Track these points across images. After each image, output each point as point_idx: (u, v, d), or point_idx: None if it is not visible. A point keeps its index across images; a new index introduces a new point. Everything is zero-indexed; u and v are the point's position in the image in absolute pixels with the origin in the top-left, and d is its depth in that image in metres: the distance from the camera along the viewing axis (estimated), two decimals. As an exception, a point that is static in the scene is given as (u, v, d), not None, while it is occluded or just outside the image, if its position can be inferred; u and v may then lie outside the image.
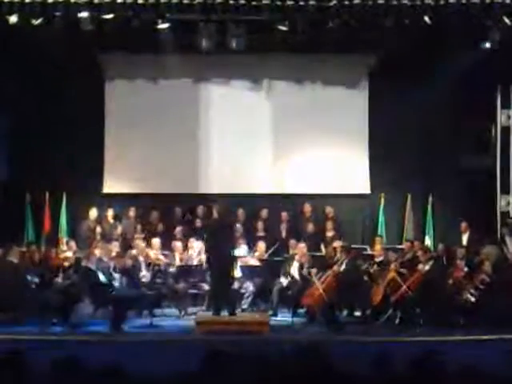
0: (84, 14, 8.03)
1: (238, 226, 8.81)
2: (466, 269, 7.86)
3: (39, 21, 8.05)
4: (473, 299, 7.47)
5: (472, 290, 7.50)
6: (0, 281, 7.59)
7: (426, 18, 8.12)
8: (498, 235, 9.39)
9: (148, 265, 8.09)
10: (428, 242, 9.43)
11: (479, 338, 6.62)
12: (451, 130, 9.73)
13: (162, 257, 8.34)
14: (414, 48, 8.84)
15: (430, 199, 9.74)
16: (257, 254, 8.60)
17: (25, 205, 9.58)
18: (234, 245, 7.75)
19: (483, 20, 8.18)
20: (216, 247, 7.34)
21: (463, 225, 9.16)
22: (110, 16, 8.10)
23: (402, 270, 7.72)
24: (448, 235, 9.36)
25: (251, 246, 8.77)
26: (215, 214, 7.58)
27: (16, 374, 2.81)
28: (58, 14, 7.98)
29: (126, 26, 8.36)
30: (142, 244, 8.42)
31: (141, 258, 8.10)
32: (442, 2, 8.03)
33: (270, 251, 8.65)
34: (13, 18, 7.98)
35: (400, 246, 8.85)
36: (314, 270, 7.81)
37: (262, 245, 8.70)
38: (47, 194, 9.64)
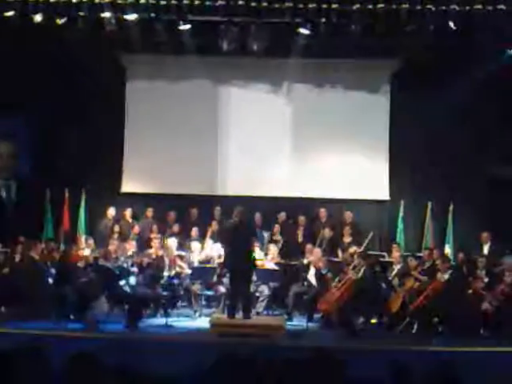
0: (107, 15, 8.12)
1: (258, 229, 8.75)
2: (486, 279, 7.71)
3: (63, 20, 8.15)
4: (493, 310, 7.31)
5: (492, 301, 7.35)
6: (20, 276, 7.69)
7: (451, 24, 8.01)
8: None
9: (169, 267, 8.10)
10: (448, 250, 9.28)
11: (499, 350, 6.47)
12: (475, 138, 9.55)
13: (184, 265, 8.29)
14: (437, 53, 8.72)
15: (451, 207, 9.59)
16: (269, 257, 8.55)
17: (45, 202, 9.69)
18: (253, 248, 7.68)
19: (510, 26, 8.04)
20: (236, 250, 7.29)
21: (484, 234, 8.98)
22: (133, 16, 8.17)
23: (421, 278, 7.60)
24: (468, 244, 9.18)
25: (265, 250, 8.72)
26: (235, 217, 7.52)
27: (33, 368, 2.82)
28: (81, 13, 8.08)
29: (148, 26, 8.43)
30: (171, 247, 8.40)
31: (166, 261, 8.09)
32: (467, 8, 7.91)
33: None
34: (37, 17, 8.09)
35: (419, 254, 8.72)
36: (330, 276, 7.73)
37: (273, 248, 8.64)
38: (67, 192, 9.74)
